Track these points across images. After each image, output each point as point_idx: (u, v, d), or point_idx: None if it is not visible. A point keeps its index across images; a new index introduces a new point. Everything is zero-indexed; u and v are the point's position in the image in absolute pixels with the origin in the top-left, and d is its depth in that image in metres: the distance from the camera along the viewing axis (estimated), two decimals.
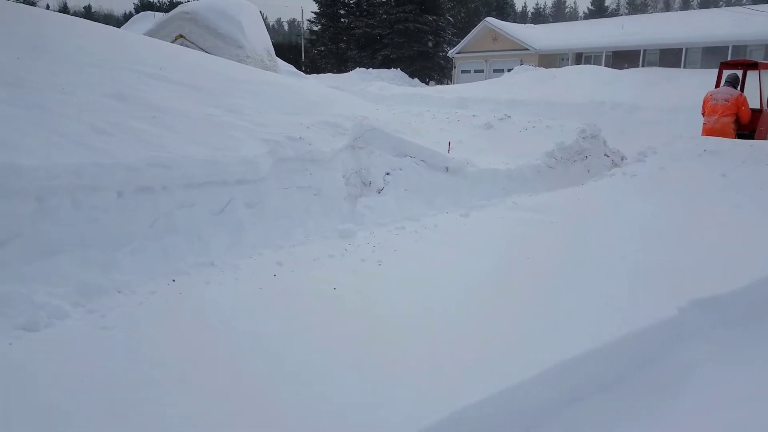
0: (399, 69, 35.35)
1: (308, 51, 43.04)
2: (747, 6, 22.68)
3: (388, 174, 5.64)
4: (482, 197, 5.94)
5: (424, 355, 2.54)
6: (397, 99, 20.29)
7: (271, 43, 18.11)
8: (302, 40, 45.26)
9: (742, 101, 8.37)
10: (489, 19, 34.80)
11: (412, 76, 35.55)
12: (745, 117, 8.38)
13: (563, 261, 3.74)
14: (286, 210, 4.68)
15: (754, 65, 9.10)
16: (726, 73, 9.05)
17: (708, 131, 8.56)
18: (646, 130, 12.98)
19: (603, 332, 2.78)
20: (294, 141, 4.89)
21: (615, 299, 3.15)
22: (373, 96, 20.69)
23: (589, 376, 2.62)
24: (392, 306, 3.04)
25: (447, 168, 6.03)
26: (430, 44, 37.73)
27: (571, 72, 21.85)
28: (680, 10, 32.16)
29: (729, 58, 22.95)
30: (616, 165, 7.83)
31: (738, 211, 4.87)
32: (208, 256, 3.75)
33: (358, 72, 33.86)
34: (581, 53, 29.84)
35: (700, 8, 34.90)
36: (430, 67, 38.74)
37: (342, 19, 42.06)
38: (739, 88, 8.84)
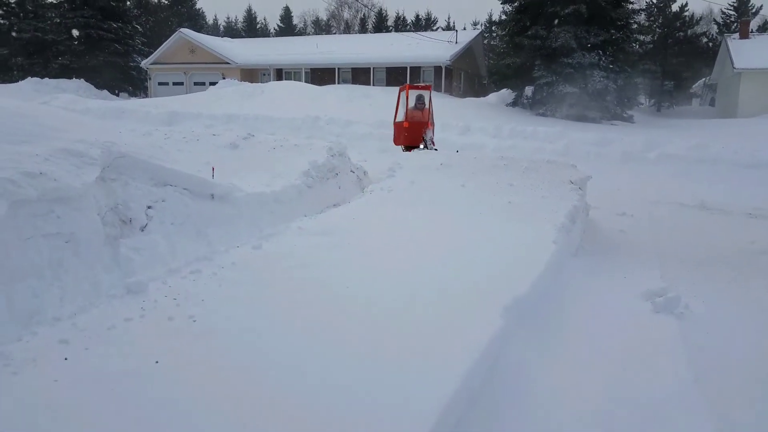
0: (82, 80, 31.32)
1: None
2: (417, 32, 26.53)
3: (150, 208, 4.88)
4: (255, 224, 5.65)
5: None
6: (94, 114, 17.94)
7: None
8: None
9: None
10: (184, 30, 33.41)
11: (99, 87, 31.86)
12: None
13: (389, 286, 3.76)
14: (33, 266, 3.65)
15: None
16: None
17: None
18: (363, 142, 14.11)
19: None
20: (33, 177, 3.83)
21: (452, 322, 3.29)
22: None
23: None
24: (241, 376, 2.61)
25: (213, 195, 5.52)
26: (117, 53, 34.35)
27: (279, 87, 22.46)
28: (359, 33, 35.91)
29: (408, 78, 26.58)
30: (360, 180, 8.29)
31: (484, 217, 5.62)
32: None
33: (31, 82, 28.89)
34: (281, 69, 30.90)
35: (374, 32, 39.44)
36: (120, 78, 35.31)
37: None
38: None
